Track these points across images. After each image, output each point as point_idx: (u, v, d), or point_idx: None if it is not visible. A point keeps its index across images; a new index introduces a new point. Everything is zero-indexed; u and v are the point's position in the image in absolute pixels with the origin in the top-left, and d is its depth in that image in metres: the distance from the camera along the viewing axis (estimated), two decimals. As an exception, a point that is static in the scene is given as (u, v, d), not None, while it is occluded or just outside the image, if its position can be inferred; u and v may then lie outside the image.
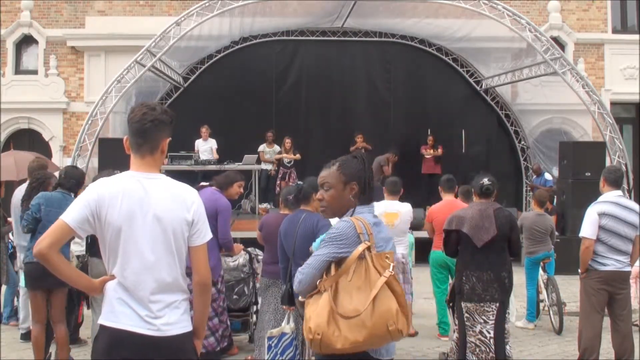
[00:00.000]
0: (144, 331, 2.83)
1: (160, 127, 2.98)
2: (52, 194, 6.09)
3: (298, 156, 14.70)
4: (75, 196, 6.09)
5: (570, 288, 9.52)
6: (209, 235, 3.06)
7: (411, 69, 16.06)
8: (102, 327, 2.89)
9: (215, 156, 14.01)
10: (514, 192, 16.20)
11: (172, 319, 2.89)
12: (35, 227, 5.85)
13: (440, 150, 15.01)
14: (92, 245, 6.12)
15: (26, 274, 5.96)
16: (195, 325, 3.03)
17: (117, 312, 2.85)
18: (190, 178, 13.23)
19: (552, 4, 17.02)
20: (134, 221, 2.87)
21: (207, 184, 6.48)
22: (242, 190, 6.69)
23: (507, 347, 5.76)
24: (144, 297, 2.85)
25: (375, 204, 7.58)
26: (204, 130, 14.31)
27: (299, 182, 5.44)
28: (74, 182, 6.22)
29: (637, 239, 5.81)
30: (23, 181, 7.92)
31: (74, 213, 2.85)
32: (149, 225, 2.88)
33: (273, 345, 5.44)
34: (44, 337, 6.01)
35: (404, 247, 7.75)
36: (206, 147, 14.32)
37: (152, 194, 2.92)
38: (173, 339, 2.87)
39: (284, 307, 5.53)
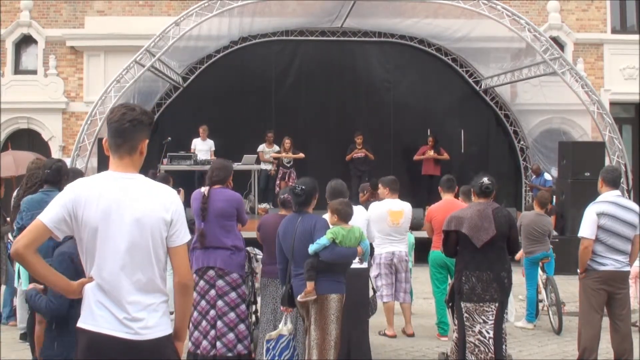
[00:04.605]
0: (123, 335, 2.81)
1: (139, 128, 2.96)
2: (33, 196, 5.89)
3: (302, 155, 14.64)
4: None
5: (569, 288, 9.52)
6: (187, 236, 3.03)
7: (411, 69, 16.04)
8: (80, 330, 2.87)
9: (213, 157, 13.97)
10: (513, 192, 16.19)
11: (150, 323, 2.87)
12: None
13: (446, 155, 14.93)
14: None
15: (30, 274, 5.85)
16: (176, 327, 3.02)
17: (95, 316, 2.84)
18: (187, 178, 13.24)
19: (552, 4, 17.02)
20: (110, 221, 2.84)
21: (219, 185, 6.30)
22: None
23: (504, 347, 5.76)
24: (122, 298, 2.83)
25: (377, 203, 7.66)
26: (202, 130, 14.31)
27: (303, 187, 5.39)
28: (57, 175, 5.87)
29: (636, 238, 5.82)
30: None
31: (51, 213, 2.84)
32: (126, 226, 2.85)
33: (271, 347, 5.46)
34: None
35: (405, 246, 7.79)
36: (204, 148, 14.31)
37: (130, 194, 2.90)
38: (152, 342, 2.86)
39: (282, 308, 5.53)
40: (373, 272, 7.56)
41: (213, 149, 14.41)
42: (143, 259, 2.88)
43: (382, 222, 7.47)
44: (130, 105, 3.03)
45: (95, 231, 2.84)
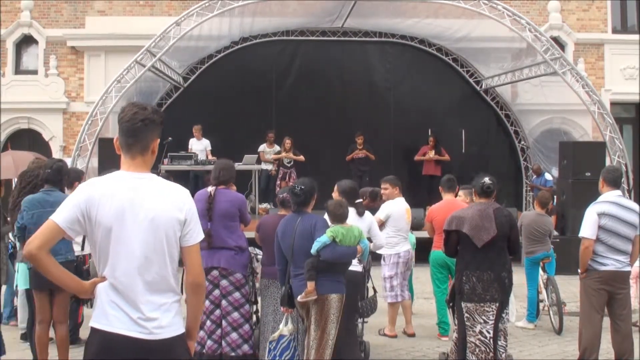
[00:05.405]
0: (136, 334, 2.81)
1: (150, 127, 2.96)
2: (34, 196, 5.89)
3: (302, 157, 14.62)
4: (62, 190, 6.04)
5: (570, 288, 9.52)
6: (201, 235, 3.02)
7: (411, 69, 16.05)
8: (93, 330, 2.87)
9: (211, 157, 13.92)
10: (514, 192, 16.19)
11: (164, 322, 2.86)
12: (23, 235, 5.72)
13: (447, 156, 14.89)
14: None
15: (32, 274, 5.89)
16: (188, 326, 3.02)
17: (109, 315, 2.83)
18: (183, 178, 13.25)
19: (552, 4, 17.02)
20: (124, 221, 2.84)
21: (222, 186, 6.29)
22: None
23: (504, 346, 5.76)
24: (136, 298, 2.83)
25: (391, 202, 7.76)
26: (196, 129, 14.28)
27: (302, 187, 5.39)
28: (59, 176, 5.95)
29: (637, 238, 5.81)
30: None
31: (64, 213, 2.83)
32: (140, 225, 2.85)
33: (272, 348, 5.47)
34: (48, 337, 6.00)
35: (409, 244, 7.84)
36: (200, 147, 14.28)
37: (143, 193, 2.89)
38: (165, 342, 2.85)
39: (283, 309, 5.53)
40: (388, 272, 7.59)
41: (209, 148, 14.38)
42: (157, 259, 2.88)
43: (402, 220, 7.64)
44: (142, 104, 3.02)
45: (109, 231, 2.83)
